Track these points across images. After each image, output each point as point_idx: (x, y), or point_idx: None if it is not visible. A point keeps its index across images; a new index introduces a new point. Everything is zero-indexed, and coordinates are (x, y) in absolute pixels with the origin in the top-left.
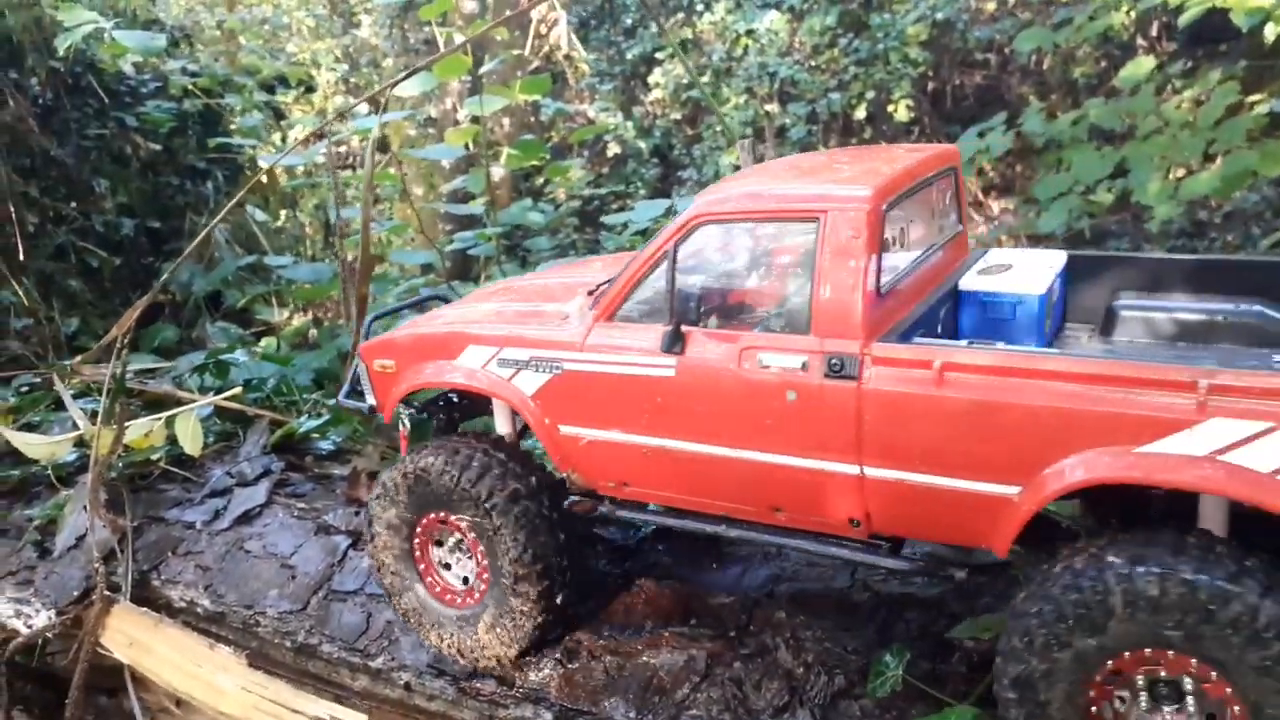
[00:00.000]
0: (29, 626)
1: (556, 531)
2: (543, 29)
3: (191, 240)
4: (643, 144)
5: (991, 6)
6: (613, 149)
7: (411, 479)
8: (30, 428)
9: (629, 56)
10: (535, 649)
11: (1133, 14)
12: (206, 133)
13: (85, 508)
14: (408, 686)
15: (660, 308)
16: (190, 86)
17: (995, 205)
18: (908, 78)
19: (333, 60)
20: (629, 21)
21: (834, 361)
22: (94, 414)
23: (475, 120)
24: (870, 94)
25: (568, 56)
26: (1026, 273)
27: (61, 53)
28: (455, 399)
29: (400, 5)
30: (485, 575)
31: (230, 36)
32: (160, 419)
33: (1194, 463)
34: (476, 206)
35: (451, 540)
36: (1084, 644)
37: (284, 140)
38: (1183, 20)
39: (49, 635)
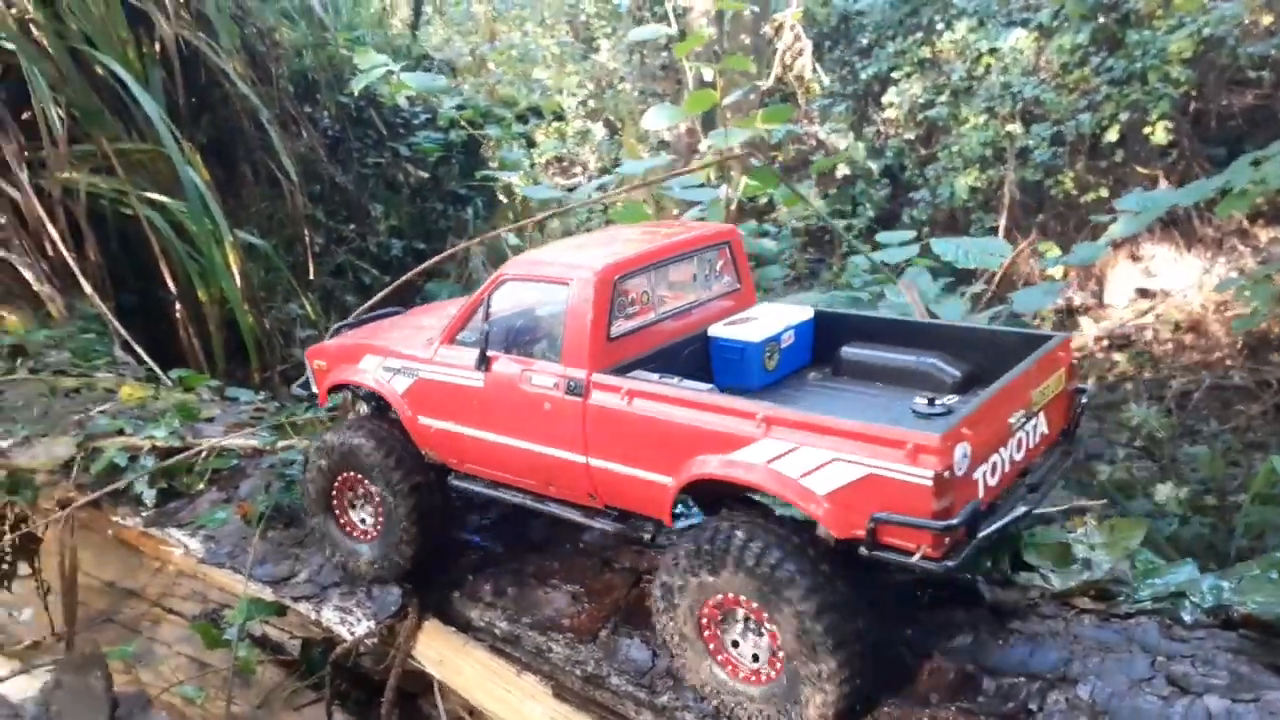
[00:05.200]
0: (351, 634)
1: (434, 495)
2: (788, 58)
3: (453, 261)
4: (873, 164)
5: (1268, 20)
6: (841, 169)
7: (341, 448)
8: None
9: (863, 76)
10: None
11: None
12: (468, 161)
13: None
14: None
15: (479, 337)
16: (456, 118)
17: (1264, 235)
18: (1167, 98)
19: (575, 85)
20: (864, 41)
21: (571, 384)
22: None
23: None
24: (1124, 115)
25: (799, 77)
26: (761, 324)
27: (356, 93)
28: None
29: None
30: (380, 520)
31: (482, 64)
32: None
33: (753, 468)
34: None
35: (360, 490)
36: (690, 580)
37: (533, 167)
38: None
39: (368, 644)
